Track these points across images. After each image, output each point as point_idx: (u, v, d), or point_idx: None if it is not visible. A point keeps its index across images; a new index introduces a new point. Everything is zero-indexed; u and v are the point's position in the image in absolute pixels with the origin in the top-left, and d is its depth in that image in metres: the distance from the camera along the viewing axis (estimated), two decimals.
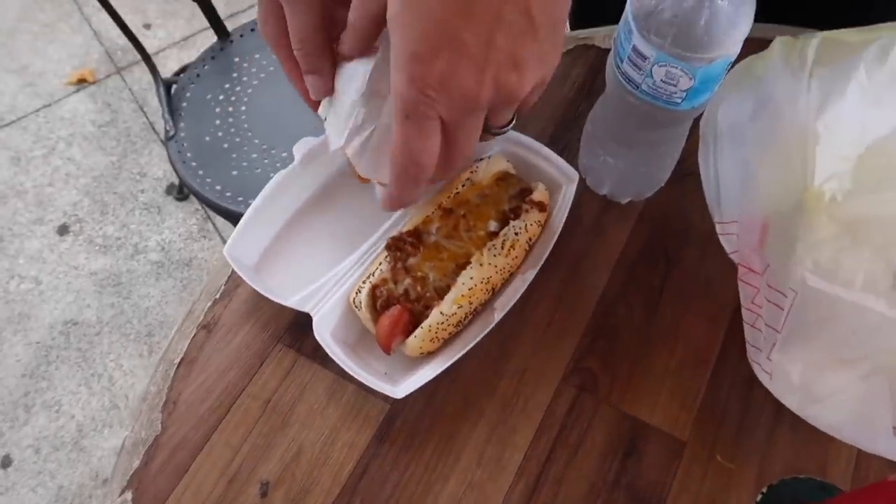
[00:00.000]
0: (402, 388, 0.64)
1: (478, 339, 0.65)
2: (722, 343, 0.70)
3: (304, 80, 0.53)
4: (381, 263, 0.68)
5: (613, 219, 0.78)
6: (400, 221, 0.72)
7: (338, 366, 0.66)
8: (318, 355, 0.69)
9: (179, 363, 0.69)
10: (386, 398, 0.67)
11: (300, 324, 0.71)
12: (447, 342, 0.66)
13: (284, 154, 1.50)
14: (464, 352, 0.64)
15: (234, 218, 1.47)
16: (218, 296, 0.73)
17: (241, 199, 1.45)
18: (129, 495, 0.63)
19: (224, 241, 2.20)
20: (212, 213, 2.22)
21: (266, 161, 1.50)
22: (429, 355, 0.66)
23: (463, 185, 0.71)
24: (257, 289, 0.69)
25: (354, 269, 0.70)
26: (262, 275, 0.71)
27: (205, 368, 0.69)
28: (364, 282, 0.67)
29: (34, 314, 2.05)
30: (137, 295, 2.08)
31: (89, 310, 2.05)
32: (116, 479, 0.64)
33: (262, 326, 0.71)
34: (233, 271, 0.73)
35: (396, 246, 0.68)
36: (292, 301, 0.68)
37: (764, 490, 0.63)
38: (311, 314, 0.67)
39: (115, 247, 2.18)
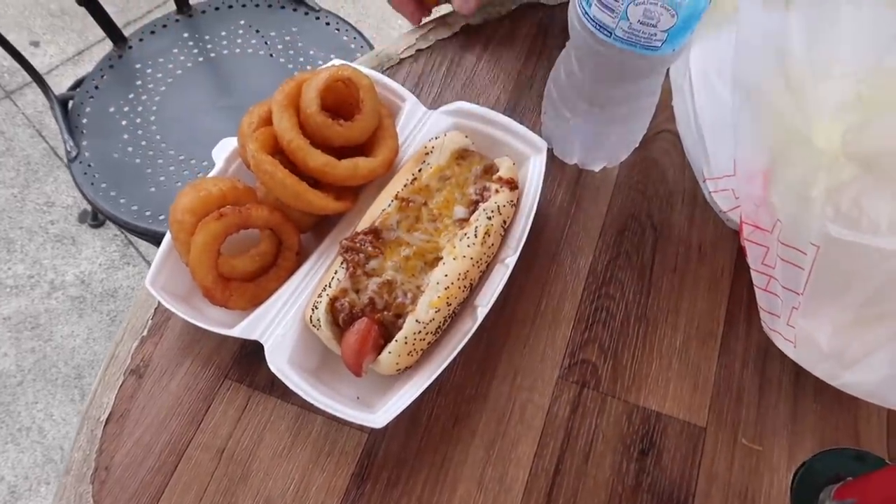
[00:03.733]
0: (381, 414, 0.54)
1: (462, 344, 0.56)
2: (726, 312, 0.63)
3: None
4: (336, 272, 0.58)
5: (588, 189, 0.70)
6: (351, 222, 0.62)
7: (301, 398, 0.56)
8: (276, 387, 0.59)
9: (107, 420, 0.57)
10: (361, 428, 0.57)
11: (249, 353, 0.60)
12: (426, 352, 0.57)
13: (206, 163, 1.36)
14: (448, 362, 0.55)
15: (157, 239, 1.33)
16: (145, 333, 0.61)
17: (162, 217, 1.31)
18: None
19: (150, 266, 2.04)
20: (133, 237, 2.05)
21: (186, 173, 1.36)
22: (406, 370, 0.57)
23: (419, 170, 0.62)
24: (192, 321, 0.58)
25: (305, 283, 0.60)
26: (196, 303, 0.60)
27: (139, 422, 0.57)
28: (320, 296, 0.57)
29: None
30: (60, 335, 1.90)
31: (7, 359, 1.86)
32: None
33: (204, 362, 0.60)
34: (160, 304, 0.62)
35: (352, 248, 0.58)
36: (237, 330, 0.57)
37: (797, 469, 0.56)
38: (262, 342, 0.57)
39: (29, 286, 1.99)
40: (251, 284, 0.60)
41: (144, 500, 0.54)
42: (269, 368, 0.56)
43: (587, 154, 0.70)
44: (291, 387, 0.54)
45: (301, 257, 0.62)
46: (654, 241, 0.67)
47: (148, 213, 1.32)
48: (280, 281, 0.61)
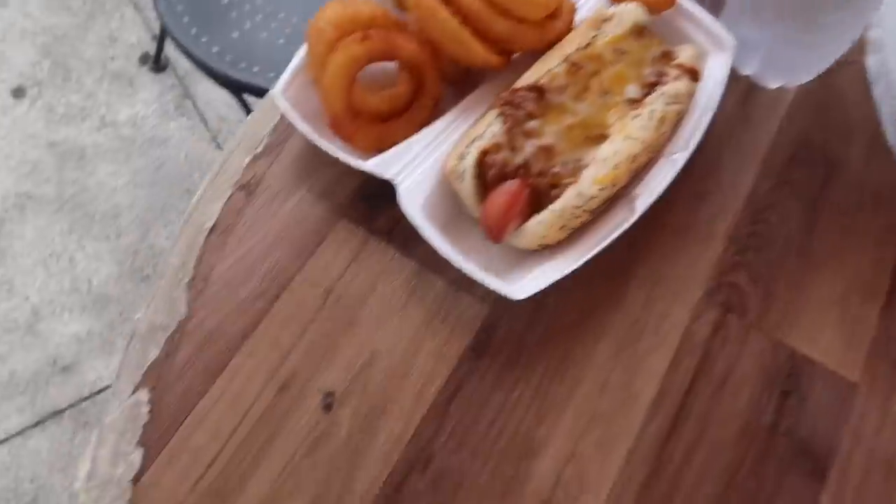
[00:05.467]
0: (519, 286, 0.48)
1: (616, 233, 0.50)
2: (892, 272, 0.56)
3: None
4: (490, 125, 0.51)
5: (759, 107, 0.62)
6: (497, 85, 0.55)
7: (421, 254, 0.50)
8: (395, 238, 0.53)
9: (211, 230, 0.52)
10: (483, 300, 0.52)
11: (368, 195, 0.54)
12: (572, 235, 0.51)
13: (295, 19, 1.28)
14: (599, 249, 0.49)
15: (233, 87, 1.26)
16: (259, 150, 0.55)
17: (243, 65, 1.23)
18: (144, 394, 0.47)
19: (206, 123, 1.97)
20: (192, 90, 1.98)
21: (274, 25, 1.28)
22: (545, 250, 0.51)
23: (594, 36, 0.54)
24: (321, 145, 0.51)
25: (448, 133, 0.53)
26: (322, 132, 0.53)
27: (244, 240, 0.52)
28: (469, 146, 0.50)
29: None
30: (104, 172, 1.85)
31: (48, 184, 1.83)
32: (126, 371, 0.47)
33: (319, 195, 0.54)
34: (280, 120, 0.56)
35: (512, 102, 0.51)
36: (371, 164, 0.51)
37: None
38: (396, 183, 0.50)
39: (80, 117, 1.93)
40: (378, 126, 0.54)
41: (241, 324, 0.49)
42: (388, 215, 0.51)
43: (766, 68, 0.62)
44: (425, 235, 0.48)
45: (438, 110, 0.55)
46: (824, 177, 0.59)
47: (228, 59, 1.25)
48: (411, 129, 0.54)
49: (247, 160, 0.54)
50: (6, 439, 1.52)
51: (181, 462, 0.45)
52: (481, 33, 0.52)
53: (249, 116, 0.56)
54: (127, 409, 0.46)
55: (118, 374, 0.47)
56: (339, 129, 0.51)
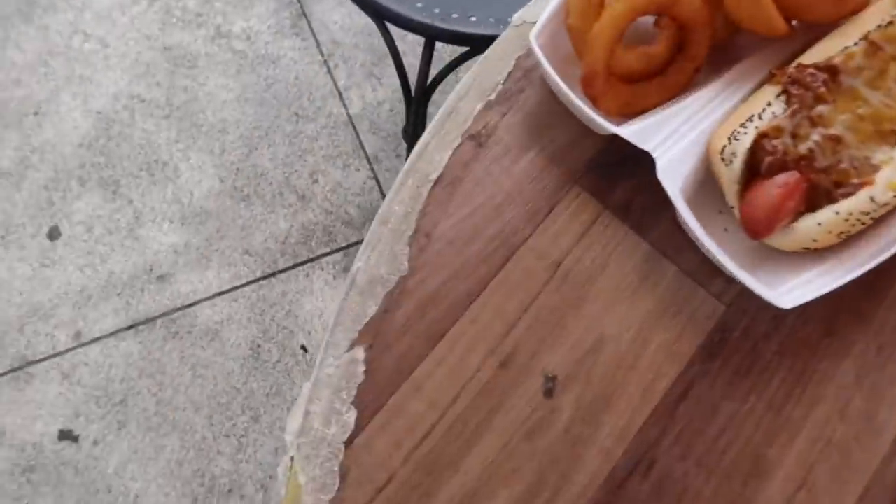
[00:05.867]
0: (782, 293, 0.43)
1: (894, 249, 0.44)
2: None
3: None
4: (770, 104, 0.45)
5: None
6: (784, 48, 0.48)
7: (656, 236, 0.46)
8: (631, 215, 0.48)
9: (437, 181, 0.48)
10: (719, 297, 0.47)
11: (604, 164, 0.49)
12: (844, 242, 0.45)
13: None
14: (877, 262, 0.43)
15: (372, 11, 1.18)
16: (493, 97, 0.50)
17: (420, 5, 1.15)
18: (360, 352, 0.43)
19: (319, 46, 1.93)
20: (309, 10, 1.93)
21: None
22: (805, 253, 0.45)
23: None
24: (573, 103, 0.46)
25: (713, 106, 0.47)
26: (575, 83, 0.48)
27: (472, 197, 0.48)
28: (744, 125, 0.45)
29: (97, 79, 1.81)
30: (214, 84, 1.83)
31: (159, 88, 1.82)
32: (343, 325, 0.44)
33: (552, 157, 0.49)
34: (516, 67, 0.50)
35: (801, 82, 0.45)
36: (628, 131, 0.46)
37: None
38: (655, 156, 0.45)
39: (196, 24, 1.91)
40: (628, 88, 0.48)
41: (465, 287, 0.45)
42: (625, 188, 0.47)
43: None
44: (689, 223, 0.43)
45: (698, 76, 0.49)
46: None
47: None
48: (663, 95, 0.48)
49: (478, 107, 0.50)
50: (100, 338, 1.55)
51: (395, 428, 0.42)
52: None
53: (483, 57, 0.51)
54: (343, 365, 0.43)
55: (334, 325, 0.44)
56: (590, 86, 0.46)
